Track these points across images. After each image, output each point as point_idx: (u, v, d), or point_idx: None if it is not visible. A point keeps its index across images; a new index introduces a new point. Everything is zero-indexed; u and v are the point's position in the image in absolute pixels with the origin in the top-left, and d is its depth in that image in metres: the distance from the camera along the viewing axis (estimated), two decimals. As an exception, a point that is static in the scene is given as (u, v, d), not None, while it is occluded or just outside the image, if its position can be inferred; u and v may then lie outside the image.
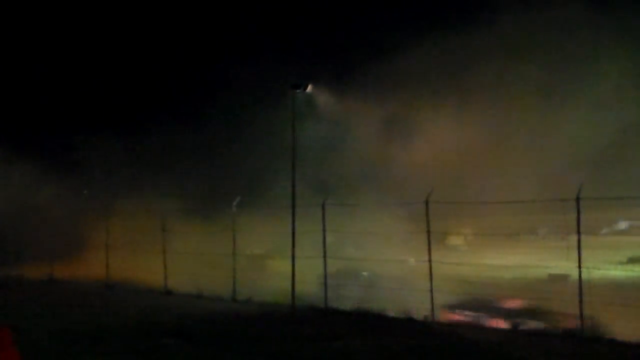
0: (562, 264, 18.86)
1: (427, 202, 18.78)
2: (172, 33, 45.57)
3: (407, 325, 17.73)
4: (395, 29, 36.81)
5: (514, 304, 19.76)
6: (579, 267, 16.18)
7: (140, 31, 45.14)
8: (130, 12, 46.23)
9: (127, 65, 44.77)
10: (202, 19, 47.44)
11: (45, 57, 44.21)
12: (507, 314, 18.73)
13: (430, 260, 18.71)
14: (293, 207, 21.75)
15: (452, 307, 19.47)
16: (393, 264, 22.03)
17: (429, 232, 18.86)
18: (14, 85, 42.25)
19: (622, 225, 25.62)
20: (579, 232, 16.29)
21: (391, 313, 18.89)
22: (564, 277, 20.20)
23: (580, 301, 15.92)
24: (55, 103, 43.58)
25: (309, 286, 21.49)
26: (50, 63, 44.17)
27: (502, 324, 17.90)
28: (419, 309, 18.27)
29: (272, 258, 25.72)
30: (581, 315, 15.86)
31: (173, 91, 45.69)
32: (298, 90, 22.32)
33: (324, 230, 21.02)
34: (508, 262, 22.18)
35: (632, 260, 25.46)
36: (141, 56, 45.45)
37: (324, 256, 21.01)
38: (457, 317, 18.89)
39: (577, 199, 16.27)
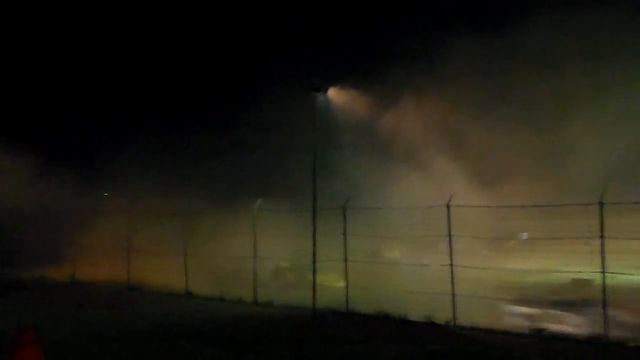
0: (587, 269, 18.56)
1: (448, 206, 18.74)
2: (198, 37, 45.98)
3: (429, 329, 17.65)
4: (428, 30, 36.57)
5: None
6: (603, 271, 16.00)
7: (168, 35, 45.68)
8: (160, 16, 46.81)
9: (144, 66, 45.26)
10: (228, 22, 47.90)
11: (77, 57, 44.82)
12: None
13: (452, 265, 18.65)
14: (314, 211, 21.73)
15: None
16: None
17: (450, 235, 18.80)
18: (36, 87, 42.83)
19: (524, 235, 26.31)
20: (602, 237, 16.10)
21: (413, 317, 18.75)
22: (587, 282, 19.94)
23: (604, 306, 15.74)
24: (80, 104, 44.06)
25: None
26: (79, 64, 44.75)
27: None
28: None
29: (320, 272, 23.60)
30: (605, 320, 15.68)
31: (196, 94, 45.97)
32: (318, 93, 22.35)
33: (344, 234, 21.01)
34: (531, 266, 21.97)
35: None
36: (164, 58, 45.91)
37: (345, 260, 20.99)
38: None
39: (600, 203, 16.11)
